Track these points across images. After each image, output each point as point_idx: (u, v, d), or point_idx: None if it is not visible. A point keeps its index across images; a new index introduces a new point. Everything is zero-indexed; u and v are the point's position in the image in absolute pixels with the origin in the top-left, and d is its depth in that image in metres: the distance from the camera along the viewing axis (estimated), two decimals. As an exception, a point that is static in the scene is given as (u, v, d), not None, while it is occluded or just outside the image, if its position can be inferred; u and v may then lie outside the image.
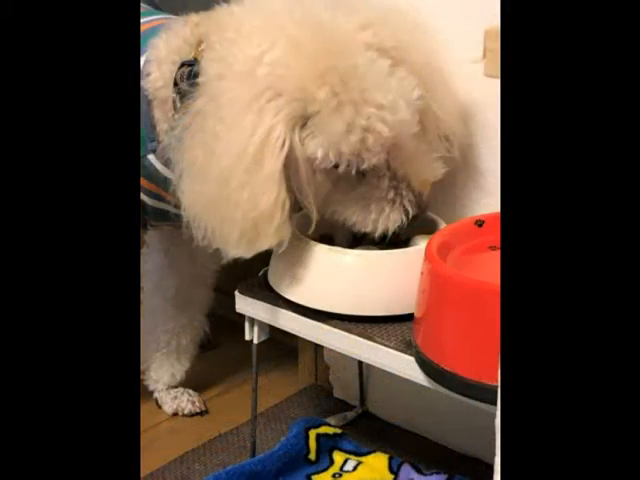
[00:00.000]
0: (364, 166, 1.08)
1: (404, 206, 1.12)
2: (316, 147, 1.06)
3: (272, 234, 1.08)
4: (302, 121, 1.06)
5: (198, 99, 1.10)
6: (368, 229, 1.13)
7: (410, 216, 1.12)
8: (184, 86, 1.15)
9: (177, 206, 1.14)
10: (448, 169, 1.17)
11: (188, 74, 1.15)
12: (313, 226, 1.13)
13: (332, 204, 1.14)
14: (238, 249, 1.09)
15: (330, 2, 1.12)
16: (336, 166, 1.08)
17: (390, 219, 1.12)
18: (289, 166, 1.08)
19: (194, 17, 1.23)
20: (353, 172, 1.09)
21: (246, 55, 1.08)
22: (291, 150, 1.06)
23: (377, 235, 1.13)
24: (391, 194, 1.12)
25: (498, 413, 0.73)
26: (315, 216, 1.12)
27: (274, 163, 1.05)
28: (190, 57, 1.17)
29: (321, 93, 1.05)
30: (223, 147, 1.06)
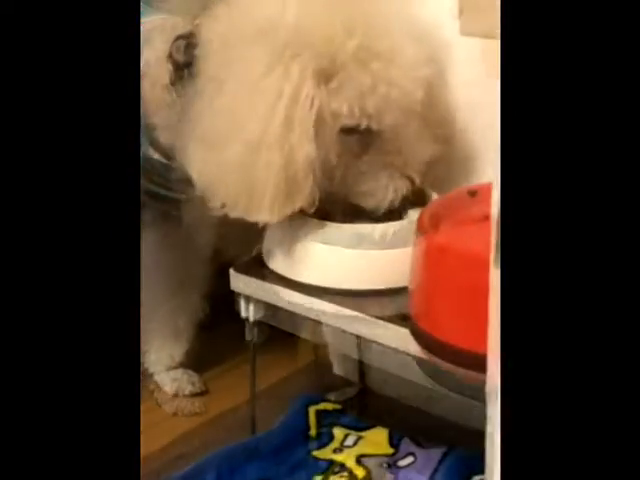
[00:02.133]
0: (384, 125, 1.07)
1: (409, 175, 1.12)
2: (342, 102, 1.06)
3: (306, 194, 1.06)
4: (327, 76, 1.05)
5: (208, 67, 1.08)
6: (378, 197, 1.12)
7: (416, 185, 1.12)
8: (180, 58, 1.14)
9: (163, 186, 1.14)
10: (444, 148, 1.16)
11: (185, 47, 1.14)
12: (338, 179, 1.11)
13: (341, 171, 1.12)
14: (269, 213, 1.07)
15: None
16: (355, 128, 1.06)
17: (398, 185, 1.12)
18: (316, 125, 1.06)
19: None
20: (375, 127, 1.07)
21: (258, 17, 1.06)
22: (319, 107, 1.05)
23: (385, 203, 1.12)
24: (400, 160, 1.11)
25: (489, 383, 0.73)
26: (338, 177, 1.10)
27: (306, 123, 1.04)
28: (185, 31, 1.16)
29: (351, 44, 1.03)
30: (246, 111, 1.04)
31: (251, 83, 1.04)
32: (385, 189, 1.12)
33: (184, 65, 1.13)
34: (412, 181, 1.12)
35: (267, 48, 1.04)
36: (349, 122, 1.07)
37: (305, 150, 1.04)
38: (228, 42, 1.08)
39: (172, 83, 1.16)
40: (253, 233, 1.15)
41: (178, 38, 1.16)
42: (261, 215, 1.07)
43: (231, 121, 1.05)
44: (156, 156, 1.18)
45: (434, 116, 1.16)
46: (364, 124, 1.07)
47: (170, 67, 1.16)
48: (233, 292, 1.24)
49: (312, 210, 1.09)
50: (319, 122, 1.06)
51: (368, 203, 1.13)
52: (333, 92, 1.05)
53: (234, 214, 1.08)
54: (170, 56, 1.16)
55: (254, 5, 1.08)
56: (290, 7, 1.05)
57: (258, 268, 1.21)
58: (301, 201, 1.07)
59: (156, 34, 1.20)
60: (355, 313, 1.11)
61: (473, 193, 1.08)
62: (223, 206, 1.08)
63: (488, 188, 1.05)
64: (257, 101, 1.04)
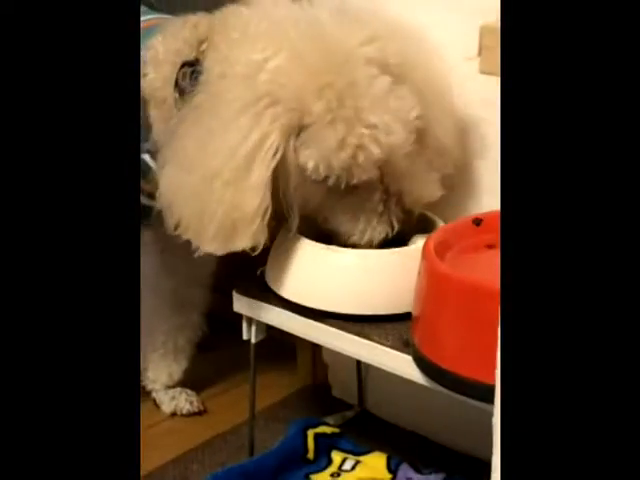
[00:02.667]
0: (354, 181, 1.09)
1: (391, 221, 1.13)
2: (307, 158, 1.08)
3: (249, 237, 1.08)
4: (297, 131, 1.07)
5: (198, 95, 1.11)
6: (354, 238, 1.14)
7: (395, 231, 1.13)
8: (186, 85, 1.16)
9: None
10: (444, 193, 1.17)
11: (191, 74, 1.16)
12: (292, 234, 1.14)
13: (323, 211, 1.14)
14: (212, 245, 1.09)
15: (337, 12, 1.13)
16: (326, 178, 1.09)
17: (376, 230, 1.13)
18: (279, 173, 1.08)
19: (192, 18, 1.23)
20: (342, 186, 1.09)
21: (249, 58, 1.09)
22: (283, 157, 1.07)
23: (363, 243, 1.13)
24: (380, 207, 1.13)
25: (495, 411, 0.73)
26: (295, 225, 1.13)
27: (264, 170, 1.06)
28: (191, 58, 1.18)
29: (317, 106, 1.06)
30: (215, 144, 1.07)
31: (224, 120, 1.07)
32: (362, 233, 1.13)
33: (190, 92, 1.14)
34: (392, 226, 1.13)
35: (247, 92, 1.07)
36: (316, 176, 1.09)
37: (257, 196, 1.06)
38: (224, 74, 1.10)
39: (178, 109, 1.17)
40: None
41: (184, 64, 1.18)
42: (204, 245, 1.10)
43: (200, 150, 1.08)
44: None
45: (431, 157, 1.17)
46: (332, 179, 1.08)
47: (176, 94, 1.18)
48: (234, 312, 1.25)
49: (257, 252, 1.10)
50: (284, 171, 1.08)
51: (348, 241, 1.15)
52: (301, 147, 1.08)
53: (185, 237, 1.11)
54: (177, 84, 1.18)
55: (249, 43, 1.10)
56: (275, 57, 1.07)
57: (261, 290, 1.21)
58: (243, 243, 1.09)
59: (159, 48, 1.21)
60: (357, 338, 1.11)
61: (478, 222, 1.09)
62: (176, 227, 1.11)
63: (493, 216, 1.07)
64: (225, 138, 1.06)
